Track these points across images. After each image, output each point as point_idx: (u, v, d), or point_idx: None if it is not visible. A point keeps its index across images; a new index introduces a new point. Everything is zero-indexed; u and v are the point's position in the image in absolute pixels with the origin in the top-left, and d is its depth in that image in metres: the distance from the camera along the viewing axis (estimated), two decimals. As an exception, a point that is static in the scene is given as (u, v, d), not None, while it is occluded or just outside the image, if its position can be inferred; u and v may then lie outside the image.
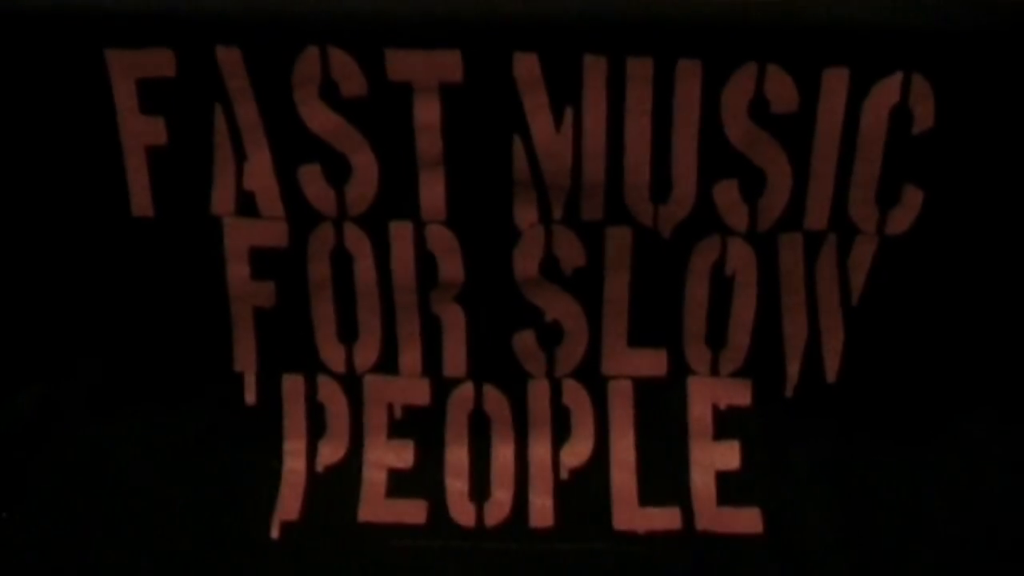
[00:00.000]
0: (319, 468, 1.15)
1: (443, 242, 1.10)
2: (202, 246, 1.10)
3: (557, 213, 1.09)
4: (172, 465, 1.14)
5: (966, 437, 1.15)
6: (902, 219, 1.08)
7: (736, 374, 1.15)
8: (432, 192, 1.08)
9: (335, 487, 1.14)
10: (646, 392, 1.15)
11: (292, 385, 1.15)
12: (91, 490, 1.13)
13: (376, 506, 1.13)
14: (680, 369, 1.15)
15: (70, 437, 1.15)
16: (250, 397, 1.15)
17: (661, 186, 1.07)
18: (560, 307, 1.12)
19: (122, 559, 1.08)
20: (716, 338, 1.14)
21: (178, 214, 1.09)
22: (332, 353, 1.14)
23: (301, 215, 1.09)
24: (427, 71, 1.03)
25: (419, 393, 1.15)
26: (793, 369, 1.14)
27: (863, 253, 1.10)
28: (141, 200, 1.09)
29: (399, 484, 1.14)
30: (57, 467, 1.14)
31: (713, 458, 1.14)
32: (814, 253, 1.10)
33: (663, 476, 1.14)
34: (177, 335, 1.15)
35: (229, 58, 1.03)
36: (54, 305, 1.15)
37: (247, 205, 1.09)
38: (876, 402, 1.15)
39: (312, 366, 1.15)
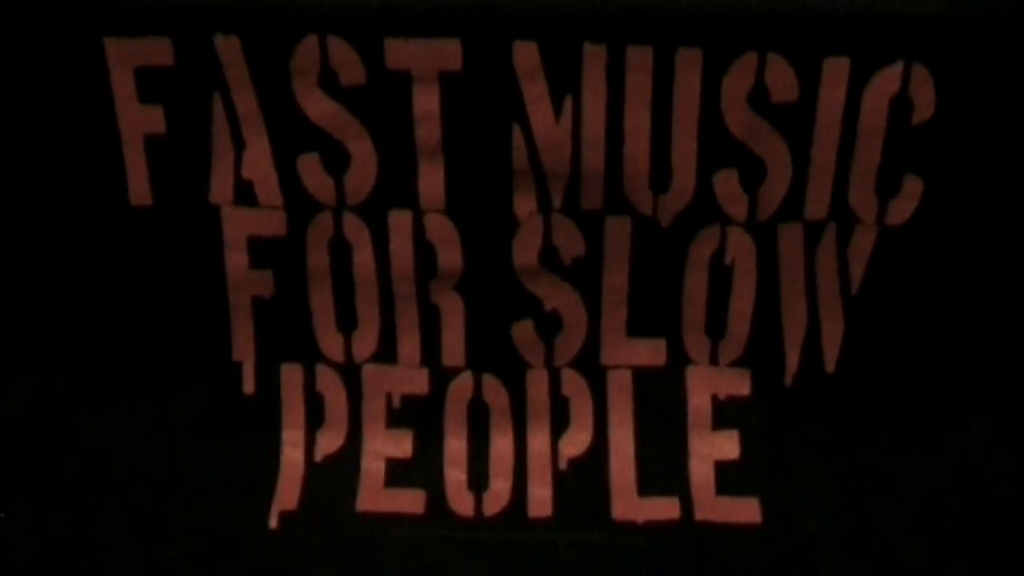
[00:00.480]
0: (318, 458, 1.14)
1: (442, 231, 1.10)
2: (200, 235, 1.10)
3: (556, 203, 1.08)
4: (170, 455, 1.14)
5: (965, 427, 1.15)
6: (902, 209, 1.08)
7: (735, 364, 1.15)
8: (431, 181, 1.08)
9: (334, 477, 1.14)
10: (645, 382, 1.15)
11: (290, 375, 1.15)
12: (88, 480, 1.12)
13: (375, 496, 1.12)
14: (679, 359, 1.15)
15: (67, 427, 1.15)
16: (248, 387, 1.15)
17: (661, 176, 1.07)
18: (559, 297, 1.12)
19: (120, 549, 1.08)
20: (715, 328, 1.14)
21: (176, 203, 1.09)
22: (331, 343, 1.14)
23: (300, 204, 1.09)
24: (426, 60, 1.03)
25: (418, 383, 1.15)
26: (792, 359, 1.14)
27: (863, 243, 1.10)
28: (139, 189, 1.08)
29: (397, 474, 1.14)
30: (54, 457, 1.14)
31: (712, 448, 1.14)
32: (814, 243, 1.10)
33: (662, 466, 1.13)
34: (175, 324, 1.15)
35: (228, 47, 1.03)
36: (52, 294, 1.15)
37: (246, 194, 1.09)
38: (875, 392, 1.15)
39: (311, 356, 1.14)
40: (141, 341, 1.15)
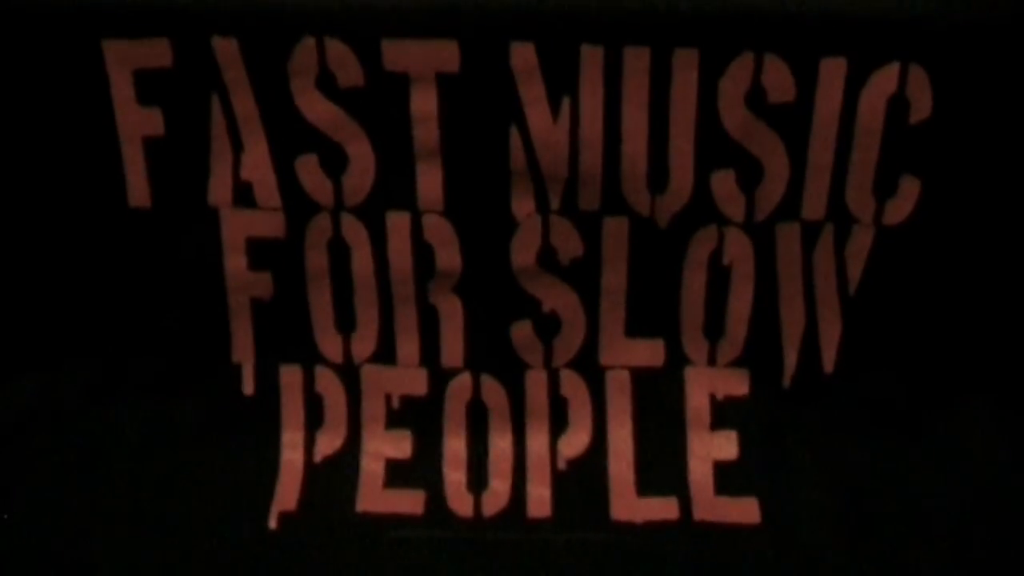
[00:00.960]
0: (317, 459, 1.15)
1: (440, 232, 1.10)
2: (199, 237, 1.10)
3: (554, 203, 1.08)
4: (170, 457, 1.14)
5: (964, 428, 1.15)
6: (899, 209, 1.08)
7: (734, 364, 1.15)
8: (429, 182, 1.08)
9: (333, 478, 1.14)
10: (644, 382, 1.15)
11: (290, 376, 1.15)
12: (88, 482, 1.12)
13: (374, 497, 1.13)
14: (678, 359, 1.15)
15: (67, 428, 1.15)
16: (248, 388, 1.15)
17: (658, 176, 1.07)
18: (557, 297, 1.12)
19: (119, 550, 1.08)
20: (714, 328, 1.14)
21: (175, 205, 1.09)
22: (330, 344, 1.14)
23: (298, 206, 1.09)
24: (424, 61, 1.03)
25: (417, 383, 1.15)
26: (791, 359, 1.14)
27: (860, 243, 1.10)
28: (138, 191, 1.09)
29: (397, 475, 1.14)
30: (54, 459, 1.14)
31: (711, 448, 1.14)
32: (811, 243, 1.10)
33: (661, 466, 1.14)
34: (175, 326, 1.15)
35: (226, 49, 1.03)
36: (51, 296, 1.15)
37: (244, 196, 1.09)
38: (874, 392, 1.15)
39: (310, 357, 1.15)
40: (140, 343, 1.16)
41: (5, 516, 1.10)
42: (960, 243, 1.10)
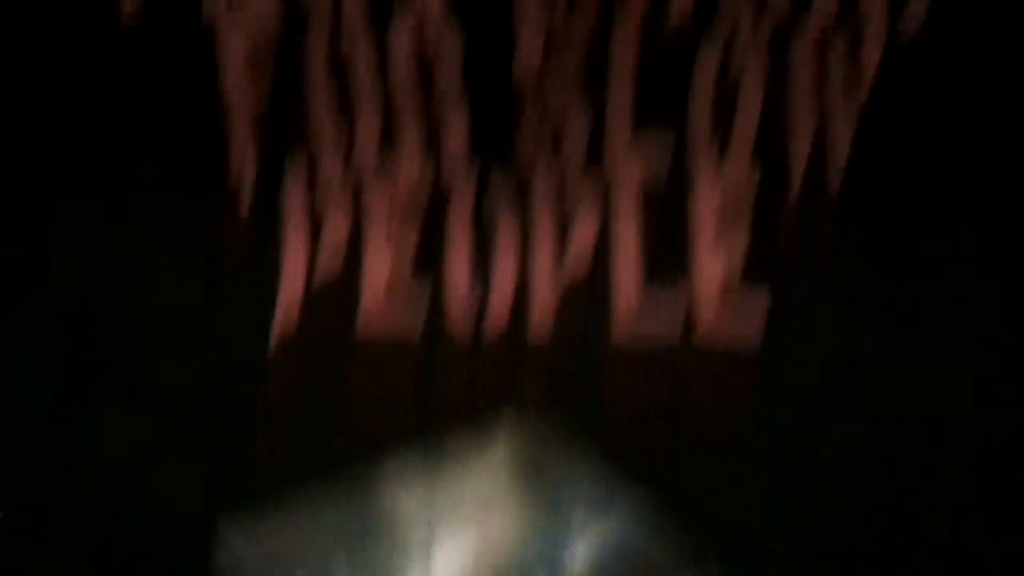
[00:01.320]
0: (317, 270, 1.13)
1: (443, 35, 1.08)
2: (195, 50, 1.09)
3: (560, 3, 1.07)
4: (172, 282, 1.12)
5: (972, 239, 1.13)
6: (911, 16, 1.06)
7: (741, 176, 1.13)
8: None
9: (335, 289, 1.12)
10: (651, 191, 1.13)
11: (292, 186, 1.13)
12: (85, 321, 1.11)
13: (374, 312, 1.11)
14: (684, 169, 1.13)
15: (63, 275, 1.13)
16: (248, 199, 1.13)
17: None
18: (565, 100, 1.10)
19: (113, 384, 1.07)
20: (722, 138, 1.12)
21: (169, 21, 1.08)
22: (331, 153, 1.12)
23: (295, 11, 1.08)
24: None
25: (420, 191, 1.13)
26: (798, 172, 1.12)
27: (871, 51, 1.09)
28: (130, 6, 1.07)
29: (398, 288, 1.12)
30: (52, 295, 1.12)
31: (715, 264, 1.12)
32: (823, 49, 1.08)
33: (665, 279, 1.12)
34: (173, 142, 1.13)
35: None
36: (47, 123, 1.13)
37: (239, 4, 1.07)
38: (881, 203, 1.13)
39: (311, 167, 1.13)
40: (138, 161, 1.13)
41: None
42: (972, 54, 1.09)
